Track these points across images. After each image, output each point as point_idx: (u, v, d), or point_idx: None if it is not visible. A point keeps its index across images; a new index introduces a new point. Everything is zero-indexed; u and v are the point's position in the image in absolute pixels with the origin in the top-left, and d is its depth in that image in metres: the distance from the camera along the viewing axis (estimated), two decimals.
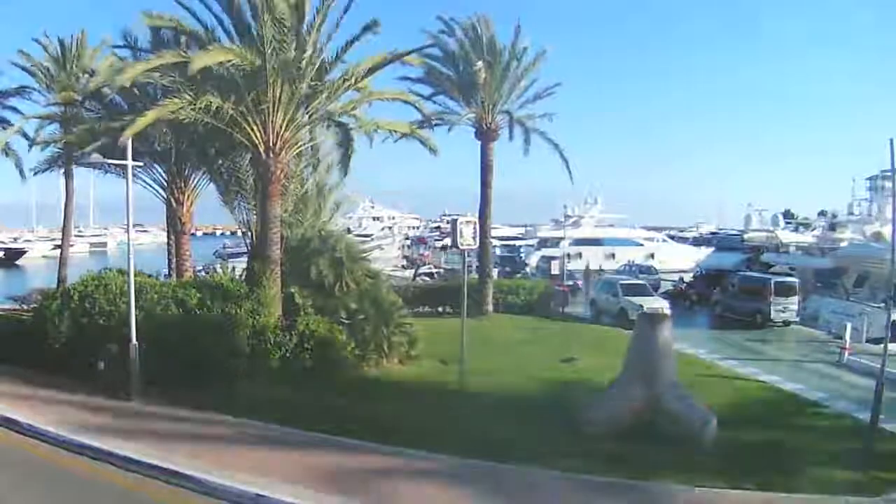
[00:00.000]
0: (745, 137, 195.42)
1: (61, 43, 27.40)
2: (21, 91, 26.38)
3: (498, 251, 45.67)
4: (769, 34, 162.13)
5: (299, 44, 16.71)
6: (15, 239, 74.05)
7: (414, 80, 27.14)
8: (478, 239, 18.53)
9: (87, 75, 25.20)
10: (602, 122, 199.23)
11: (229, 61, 16.01)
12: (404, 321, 18.87)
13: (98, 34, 37.88)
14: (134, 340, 14.29)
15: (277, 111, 17.01)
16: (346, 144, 19.92)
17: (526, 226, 76.88)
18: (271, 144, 17.15)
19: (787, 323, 26.65)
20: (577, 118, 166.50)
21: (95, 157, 18.57)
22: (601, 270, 39.75)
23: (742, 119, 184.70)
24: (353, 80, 17.79)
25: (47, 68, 27.01)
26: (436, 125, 26.63)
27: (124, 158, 15.37)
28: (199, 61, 15.28)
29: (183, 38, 18.67)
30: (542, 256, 47.04)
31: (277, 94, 16.85)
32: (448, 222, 48.92)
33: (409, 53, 19.79)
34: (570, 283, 35.22)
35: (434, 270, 43.94)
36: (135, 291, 14.83)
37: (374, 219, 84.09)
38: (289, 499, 9.44)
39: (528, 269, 45.23)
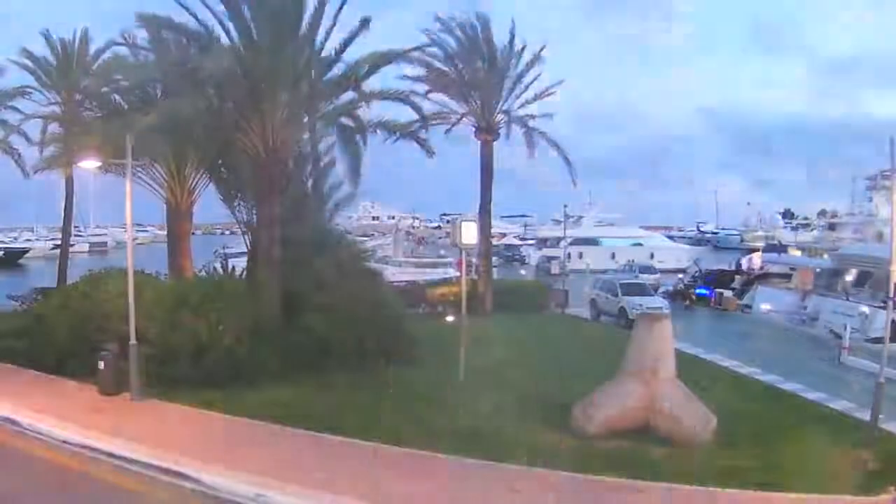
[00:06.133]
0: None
1: (62, 42, 27.39)
2: (22, 91, 26.35)
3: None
4: None
5: (298, 42, 16.70)
6: (15, 238, 73.96)
7: (413, 80, 27.13)
8: (478, 239, 18.53)
9: (87, 75, 25.15)
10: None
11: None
12: (404, 321, 18.83)
13: (98, 33, 37.84)
14: (134, 340, 14.28)
15: (276, 111, 16.98)
16: (353, 152, 19.77)
17: (523, 215, 76.98)
18: (270, 144, 17.13)
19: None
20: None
21: (95, 156, 18.51)
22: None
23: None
24: (352, 80, 17.78)
25: (48, 68, 26.98)
26: (436, 125, 26.63)
27: (124, 158, 15.34)
28: None
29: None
30: (543, 256, 47.11)
31: (276, 94, 16.82)
32: (448, 222, 48.97)
33: (407, 53, 19.79)
34: None
35: None
36: (134, 291, 14.81)
37: (373, 218, 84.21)
38: (289, 498, 9.45)
39: (528, 269, 45.28)
